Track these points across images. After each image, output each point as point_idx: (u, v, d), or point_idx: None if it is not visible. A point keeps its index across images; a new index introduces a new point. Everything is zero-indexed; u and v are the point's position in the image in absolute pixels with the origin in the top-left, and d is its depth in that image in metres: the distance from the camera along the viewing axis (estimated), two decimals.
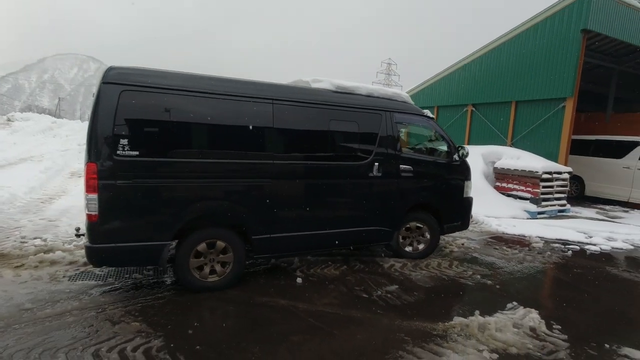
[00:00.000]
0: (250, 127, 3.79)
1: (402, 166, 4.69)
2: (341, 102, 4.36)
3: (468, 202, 5.38)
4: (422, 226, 5.04)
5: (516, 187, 9.23)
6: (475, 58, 13.07)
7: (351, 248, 5.14)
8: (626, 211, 9.95)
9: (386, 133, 4.59)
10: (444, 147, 5.24)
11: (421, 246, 5.08)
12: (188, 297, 3.58)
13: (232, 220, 3.81)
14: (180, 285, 3.73)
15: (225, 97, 3.71)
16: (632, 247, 6.29)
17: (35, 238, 4.89)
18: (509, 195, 9.30)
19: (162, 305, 3.40)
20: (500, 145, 11.34)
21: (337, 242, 4.42)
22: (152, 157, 3.41)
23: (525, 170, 8.95)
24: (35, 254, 4.36)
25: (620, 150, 10.47)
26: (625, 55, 12.31)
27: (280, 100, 3.96)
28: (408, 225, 4.94)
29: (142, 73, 3.48)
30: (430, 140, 5.53)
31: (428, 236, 5.08)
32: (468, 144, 13.18)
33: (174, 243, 3.65)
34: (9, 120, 19.69)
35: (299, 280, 4.13)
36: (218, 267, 3.79)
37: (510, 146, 11.49)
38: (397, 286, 4.12)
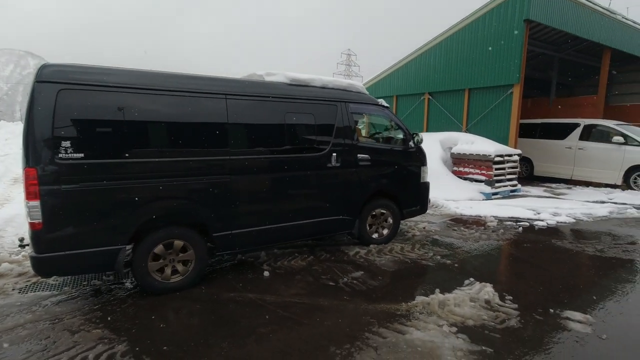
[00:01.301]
0: (203, 123, 3.72)
1: (359, 155, 4.77)
2: (296, 94, 4.37)
3: (425, 187, 5.60)
4: (385, 212, 5.20)
5: (472, 170, 9.71)
6: (430, 47, 13.49)
7: (314, 239, 5.22)
8: (569, 187, 10.77)
9: (342, 124, 4.65)
10: (400, 135, 5.38)
11: (385, 231, 5.25)
12: (152, 299, 3.50)
13: (191, 219, 3.75)
14: (142, 289, 3.62)
15: (175, 93, 3.59)
16: (574, 221, 6.86)
17: None
18: (465, 179, 9.78)
19: (124, 310, 3.30)
20: (456, 131, 11.85)
21: (299, 233, 4.49)
22: (99, 159, 3.24)
23: (479, 154, 9.44)
24: None
25: (562, 132, 11.28)
26: (564, 43, 13.23)
27: (233, 95, 3.90)
28: (374, 212, 5.08)
29: (81, 70, 3.28)
30: (387, 129, 5.70)
31: (391, 222, 5.28)
32: (426, 131, 13.66)
33: (129, 247, 3.48)
34: None
35: (266, 273, 4.15)
36: (180, 267, 3.72)
37: (465, 132, 12.04)
38: (362, 272, 4.25)
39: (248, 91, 4.05)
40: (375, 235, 5.17)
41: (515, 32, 10.37)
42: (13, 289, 3.68)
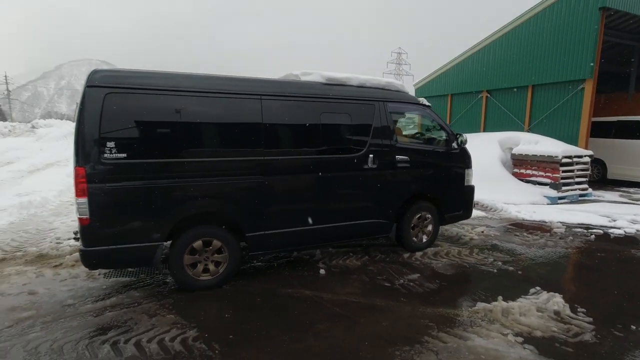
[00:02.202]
0: (238, 124, 3.78)
1: (398, 156, 4.58)
2: (332, 94, 4.28)
3: (470, 191, 5.27)
4: (425, 216, 4.94)
5: (535, 172, 9.10)
6: (489, 43, 12.84)
7: (370, 239, 5.19)
8: None
9: (380, 123, 4.49)
10: (442, 136, 5.09)
11: (424, 237, 5.00)
12: (216, 290, 3.73)
13: (225, 218, 3.80)
14: (178, 284, 3.74)
15: (211, 94, 3.69)
16: None
17: (69, 239, 5.14)
18: (527, 182, 9.18)
19: (193, 299, 3.56)
20: (518, 131, 11.16)
21: (333, 236, 4.42)
22: (140, 159, 3.39)
23: (544, 156, 8.81)
24: (70, 254, 4.60)
25: None
26: None
27: (268, 95, 3.90)
28: (413, 216, 4.84)
29: (126, 75, 3.49)
30: (428, 129, 5.44)
31: (431, 227, 5.01)
32: (484, 131, 13.02)
33: (166, 244, 3.61)
34: (33, 127, 20.41)
35: (321, 271, 4.24)
36: (211, 267, 3.78)
37: (528, 131, 11.30)
38: (418, 274, 4.19)
39: (282, 91, 4.03)
40: (415, 240, 4.93)
41: (589, 21, 9.53)
42: (99, 274, 4.12)
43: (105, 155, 3.27)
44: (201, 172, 3.62)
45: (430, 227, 5.01)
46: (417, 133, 5.67)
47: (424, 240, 5.00)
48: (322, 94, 4.23)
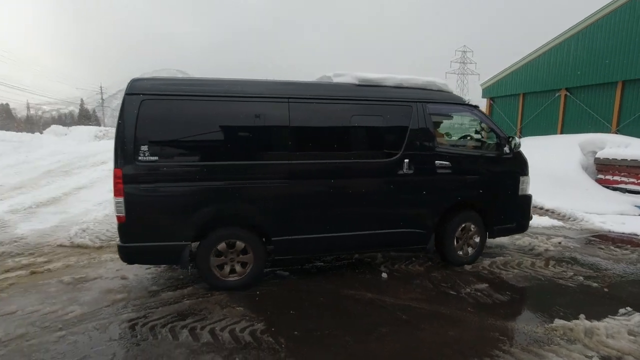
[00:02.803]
0: (265, 127, 3.79)
1: (438, 162, 4.21)
2: (364, 95, 4.08)
3: (525, 201, 4.69)
4: (469, 227, 4.50)
5: (624, 179, 8.12)
6: (567, 38, 11.75)
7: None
8: None
9: (418, 126, 4.15)
10: (492, 139, 4.62)
11: (469, 249, 4.55)
12: (282, 287, 3.89)
13: (250, 221, 3.83)
14: (205, 282, 3.84)
15: (239, 99, 3.74)
16: None
17: None
18: (614, 189, 8.24)
19: (260, 294, 3.76)
20: (602, 132, 10.05)
21: (363, 244, 4.24)
22: (170, 162, 3.57)
23: (636, 160, 7.84)
24: None
25: None
26: None
27: (295, 98, 3.85)
28: (455, 227, 4.43)
29: (160, 82, 3.72)
30: (476, 132, 4.95)
31: (476, 239, 4.54)
32: (561, 132, 11.93)
33: (192, 244, 3.73)
34: None
35: (384, 275, 4.22)
36: (238, 268, 3.83)
37: (616, 133, 10.12)
38: (486, 285, 3.98)
39: (311, 94, 3.95)
40: (459, 253, 4.50)
41: None
42: (175, 266, 4.52)
43: (140, 157, 3.46)
44: (226, 176, 3.67)
45: (476, 240, 4.54)
46: (462, 136, 5.17)
47: (470, 253, 4.54)
48: (354, 96, 4.07)
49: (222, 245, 3.75)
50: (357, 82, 4.15)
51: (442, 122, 4.74)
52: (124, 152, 3.46)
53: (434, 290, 3.87)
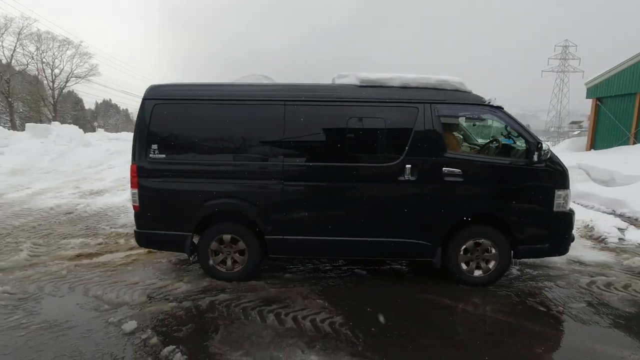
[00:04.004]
0: (261, 130, 3.92)
1: (446, 169, 3.82)
2: (363, 97, 3.93)
3: (563, 219, 3.93)
4: (485, 244, 3.96)
5: None
6: None
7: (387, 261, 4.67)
8: None
9: (423, 128, 3.84)
10: (519, 145, 4.07)
11: (481, 271, 4.01)
12: (360, 286, 4.03)
13: (245, 218, 4.00)
14: (204, 271, 4.15)
15: (238, 102, 3.96)
16: None
17: None
18: None
19: (338, 289, 3.95)
20: None
21: (359, 251, 4.09)
22: (174, 160, 3.92)
23: None
24: None
25: None
26: None
27: (291, 101, 3.91)
28: (468, 242, 3.95)
29: (170, 88, 4.09)
30: (498, 137, 4.39)
31: (496, 258, 3.97)
32: None
33: (191, 234, 4.02)
34: None
35: (461, 285, 4.10)
36: (237, 259, 4.09)
37: None
38: (584, 304, 3.64)
39: (307, 96, 3.95)
40: (466, 271, 3.99)
41: None
42: None
43: (151, 155, 3.92)
44: (224, 175, 3.93)
45: (493, 260, 3.98)
46: (489, 141, 4.60)
47: (486, 273, 3.99)
48: (353, 97, 3.94)
49: (219, 239, 4.05)
50: (358, 83, 4.02)
51: (457, 125, 4.29)
52: (139, 150, 3.95)
53: (520, 303, 3.66)
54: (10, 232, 5.71)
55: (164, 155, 3.92)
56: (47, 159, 13.65)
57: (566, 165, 3.98)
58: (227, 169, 3.93)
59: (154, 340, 2.91)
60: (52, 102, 43.25)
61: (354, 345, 2.92)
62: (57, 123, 18.81)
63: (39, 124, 18.32)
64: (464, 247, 3.96)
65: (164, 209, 4.01)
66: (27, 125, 17.22)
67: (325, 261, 4.77)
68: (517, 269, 4.53)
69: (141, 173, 3.95)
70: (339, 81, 4.19)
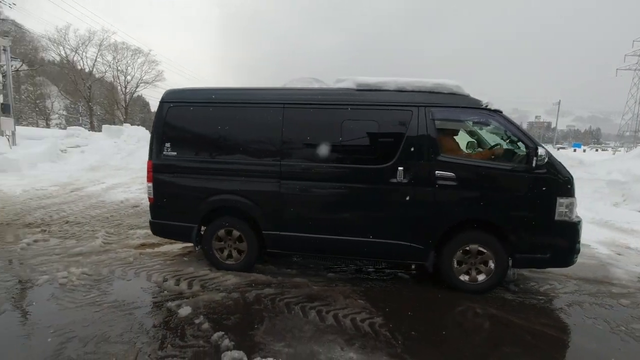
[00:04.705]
0: (261, 131, 4.17)
1: (439, 172, 3.80)
2: (358, 100, 4.03)
3: (565, 228, 3.73)
4: (479, 250, 3.89)
5: None
6: None
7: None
8: None
9: (417, 132, 3.86)
10: (518, 150, 3.91)
11: (480, 276, 3.93)
12: (402, 289, 4.05)
13: (245, 214, 4.26)
14: (209, 262, 4.48)
15: (241, 105, 4.26)
16: None
17: None
18: None
19: (380, 291, 3.99)
20: None
21: (353, 250, 4.17)
22: (184, 158, 4.32)
23: None
24: None
25: None
26: None
27: (289, 104, 4.13)
28: (461, 248, 3.91)
29: (182, 92, 4.49)
30: (497, 141, 4.27)
31: (491, 265, 3.88)
32: None
33: (197, 226, 4.37)
34: None
35: (508, 296, 3.94)
36: (234, 253, 4.40)
37: None
38: None
39: (304, 99, 4.15)
40: (465, 278, 3.96)
41: None
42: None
43: (164, 153, 4.36)
44: (226, 172, 4.24)
45: (489, 266, 3.90)
46: (491, 146, 4.46)
47: (480, 280, 3.93)
48: (347, 101, 4.06)
49: (221, 232, 4.38)
50: (355, 87, 4.12)
51: (456, 129, 4.26)
52: (154, 148, 4.41)
53: (574, 319, 3.45)
54: (88, 222, 6.46)
55: (175, 153, 4.36)
56: (118, 157, 15.12)
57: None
58: (229, 167, 4.25)
59: (206, 325, 3.17)
60: (124, 105, 47.60)
61: (393, 347, 2.95)
62: (127, 125, 20.76)
63: (113, 126, 20.32)
64: (458, 252, 3.94)
65: (174, 202, 4.43)
66: (104, 126, 19.18)
67: (367, 263, 4.83)
68: (574, 283, 4.26)
69: (156, 169, 4.41)
70: (337, 85, 4.35)
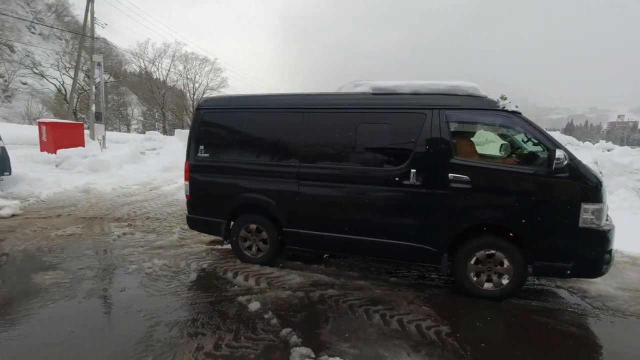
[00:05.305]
0: (283, 135, 4.43)
1: (452, 175, 3.75)
2: (374, 104, 4.15)
3: (592, 236, 3.47)
4: (495, 255, 3.76)
5: None
6: None
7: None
8: None
9: (430, 135, 3.85)
10: (539, 153, 3.79)
11: (497, 282, 3.81)
12: (467, 297, 3.89)
13: (268, 212, 4.55)
14: (237, 256, 4.84)
15: (266, 110, 4.60)
16: None
17: None
18: None
19: (444, 298, 3.89)
20: None
21: (367, 250, 4.27)
22: (215, 159, 4.72)
23: None
24: None
25: None
26: None
27: (309, 108, 4.34)
28: (477, 253, 3.80)
29: (216, 98, 5.15)
30: (517, 143, 4.21)
31: (509, 271, 3.73)
32: None
33: (226, 222, 4.72)
34: None
35: (594, 318, 3.61)
36: (258, 247, 4.73)
37: None
38: None
39: (321, 104, 4.35)
40: (487, 286, 3.82)
41: None
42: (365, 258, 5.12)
43: (199, 154, 4.79)
44: (252, 173, 4.56)
45: (506, 274, 3.75)
46: (511, 150, 4.35)
47: (496, 286, 3.80)
48: (363, 105, 4.19)
49: (246, 228, 4.72)
50: (371, 91, 4.25)
51: (473, 131, 4.20)
52: (191, 150, 4.86)
53: None
54: (165, 218, 7.10)
55: (208, 155, 4.78)
56: None
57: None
58: (254, 168, 4.57)
59: (275, 321, 3.33)
60: (192, 111, 51.29)
61: (462, 358, 2.86)
62: None
63: (184, 130, 22.02)
64: (474, 257, 3.83)
65: (206, 200, 4.85)
66: (176, 130, 20.91)
67: (431, 269, 4.72)
68: None
69: (191, 169, 4.86)
70: (354, 90, 4.48)
